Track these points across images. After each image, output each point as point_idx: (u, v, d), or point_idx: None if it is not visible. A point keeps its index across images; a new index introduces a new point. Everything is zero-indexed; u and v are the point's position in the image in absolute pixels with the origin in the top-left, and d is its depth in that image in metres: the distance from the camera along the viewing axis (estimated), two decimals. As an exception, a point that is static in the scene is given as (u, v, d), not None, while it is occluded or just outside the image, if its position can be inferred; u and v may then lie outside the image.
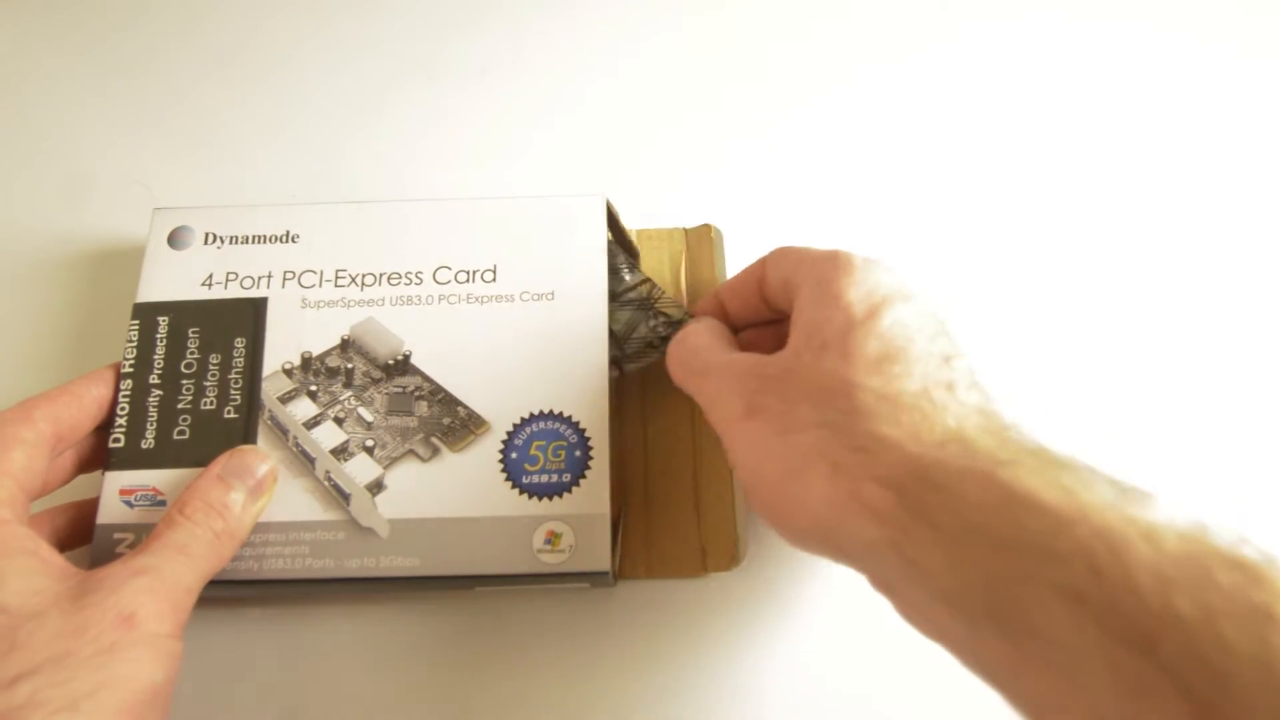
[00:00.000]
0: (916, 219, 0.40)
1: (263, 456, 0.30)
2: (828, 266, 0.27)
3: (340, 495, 0.31)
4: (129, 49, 0.44)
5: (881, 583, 0.23)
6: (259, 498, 0.30)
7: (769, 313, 0.31)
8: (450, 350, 0.32)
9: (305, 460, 0.31)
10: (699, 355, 0.29)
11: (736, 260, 0.37)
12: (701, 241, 0.37)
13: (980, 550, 0.20)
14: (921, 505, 0.21)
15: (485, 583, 0.30)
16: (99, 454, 0.32)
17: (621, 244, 0.36)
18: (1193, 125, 0.42)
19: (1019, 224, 0.40)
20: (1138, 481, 0.20)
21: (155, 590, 0.25)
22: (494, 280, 0.33)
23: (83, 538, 0.30)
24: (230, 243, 0.34)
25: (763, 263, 0.30)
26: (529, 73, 0.44)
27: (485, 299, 0.33)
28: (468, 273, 0.33)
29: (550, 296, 0.33)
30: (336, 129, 0.42)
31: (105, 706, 0.23)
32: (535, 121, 0.42)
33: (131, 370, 0.32)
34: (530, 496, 0.30)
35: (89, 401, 0.30)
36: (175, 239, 0.34)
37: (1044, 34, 0.44)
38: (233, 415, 0.32)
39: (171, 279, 0.34)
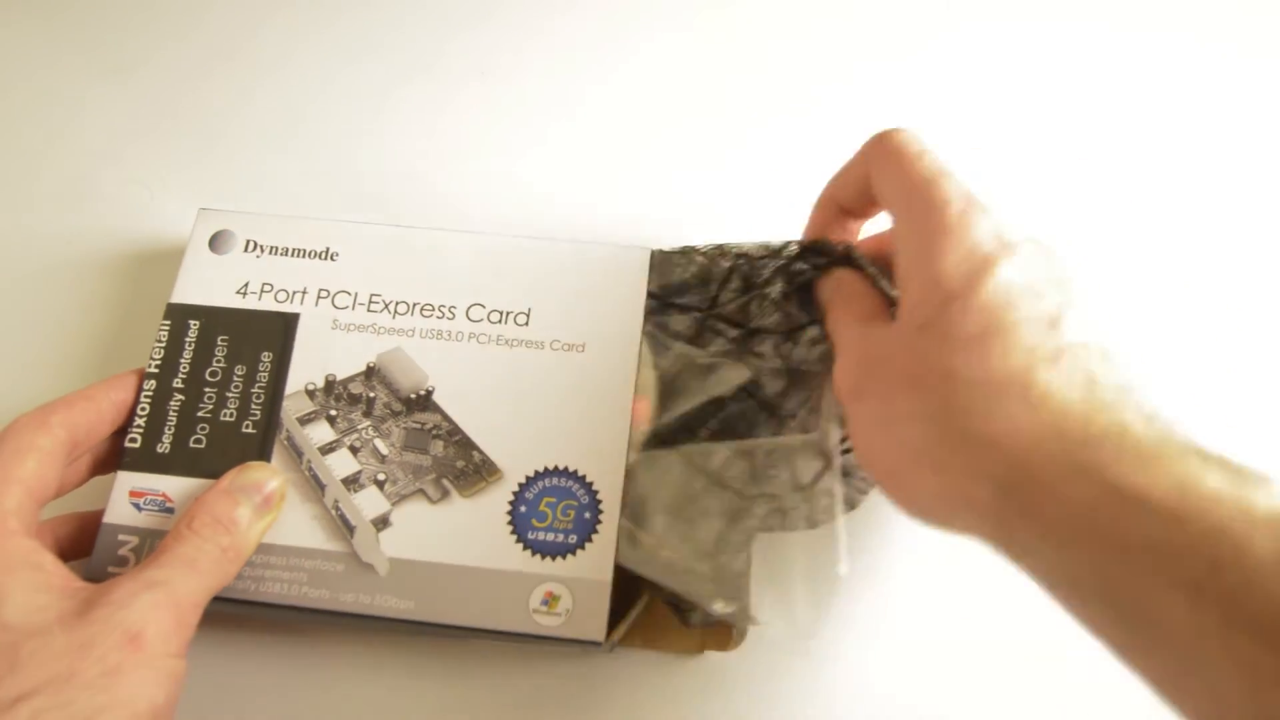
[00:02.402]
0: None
1: (272, 473, 0.30)
2: (927, 220, 0.24)
3: (345, 526, 0.30)
4: (129, 49, 0.44)
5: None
6: (265, 515, 0.30)
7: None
8: (473, 391, 0.32)
9: (316, 486, 0.31)
10: (834, 328, 0.29)
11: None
12: None
13: (1091, 549, 0.20)
14: (1025, 505, 0.21)
15: (479, 635, 0.30)
16: (115, 457, 0.32)
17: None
18: (1195, 123, 0.41)
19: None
20: (1250, 462, 0.19)
21: (163, 607, 0.25)
22: (526, 324, 0.33)
23: (85, 549, 0.30)
24: (270, 253, 0.34)
25: (865, 161, 0.28)
26: (531, 73, 0.43)
27: (515, 343, 0.33)
28: (501, 313, 0.33)
29: (581, 349, 0.32)
30: (337, 128, 0.42)
31: None
32: (536, 121, 0.42)
33: (156, 371, 0.32)
34: (534, 554, 0.30)
35: (107, 407, 0.30)
36: (217, 243, 0.34)
37: (1045, 34, 0.44)
38: (250, 430, 0.32)
39: (208, 283, 0.34)
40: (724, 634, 0.31)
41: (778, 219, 0.39)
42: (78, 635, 0.24)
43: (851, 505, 0.31)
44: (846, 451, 0.30)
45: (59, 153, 0.42)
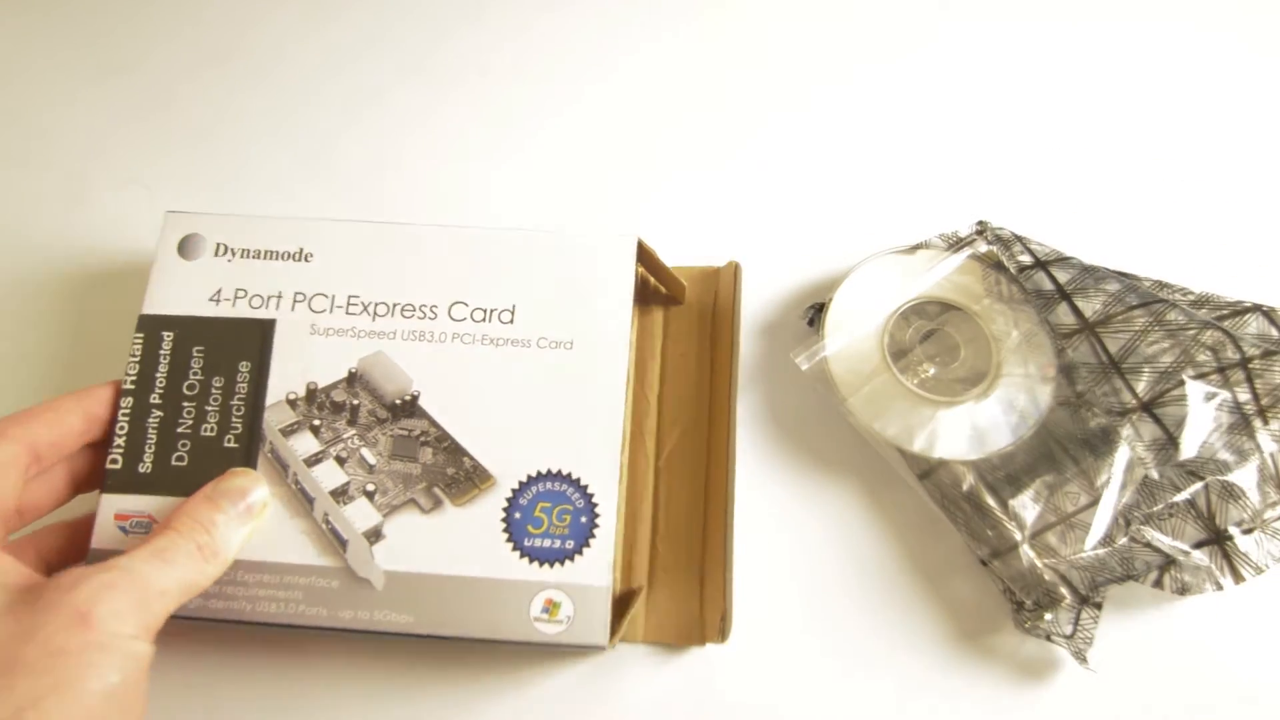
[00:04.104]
0: (905, 226, 0.38)
1: (256, 480, 0.30)
2: None
3: (338, 540, 0.30)
4: (126, 48, 0.43)
5: None
6: (248, 521, 0.29)
7: None
8: (460, 394, 0.31)
9: (304, 499, 0.30)
10: None
11: (750, 285, 0.37)
12: (727, 277, 0.35)
13: None
14: None
15: (480, 642, 0.30)
16: (97, 474, 0.31)
17: (664, 281, 0.34)
18: (1196, 121, 0.41)
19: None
20: None
21: (117, 586, 0.24)
22: (511, 322, 0.32)
23: (76, 559, 0.30)
24: (242, 256, 0.33)
25: None
26: (528, 72, 0.42)
27: (501, 341, 0.32)
28: (484, 311, 0.32)
29: (569, 345, 0.31)
30: (334, 127, 0.41)
31: (50, 715, 0.21)
32: (533, 119, 0.41)
33: (133, 388, 0.31)
34: (531, 561, 0.29)
35: (76, 420, 0.29)
36: (185, 248, 0.33)
37: (1043, 35, 0.43)
38: (233, 444, 0.31)
39: (179, 291, 0.32)
40: (718, 626, 0.31)
41: (778, 217, 0.39)
42: (24, 622, 0.23)
43: (1219, 586, 0.31)
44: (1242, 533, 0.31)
45: (50, 155, 0.41)
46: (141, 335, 0.32)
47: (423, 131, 0.41)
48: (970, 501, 0.32)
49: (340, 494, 0.30)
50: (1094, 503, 0.31)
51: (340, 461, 0.31)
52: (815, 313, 0.35)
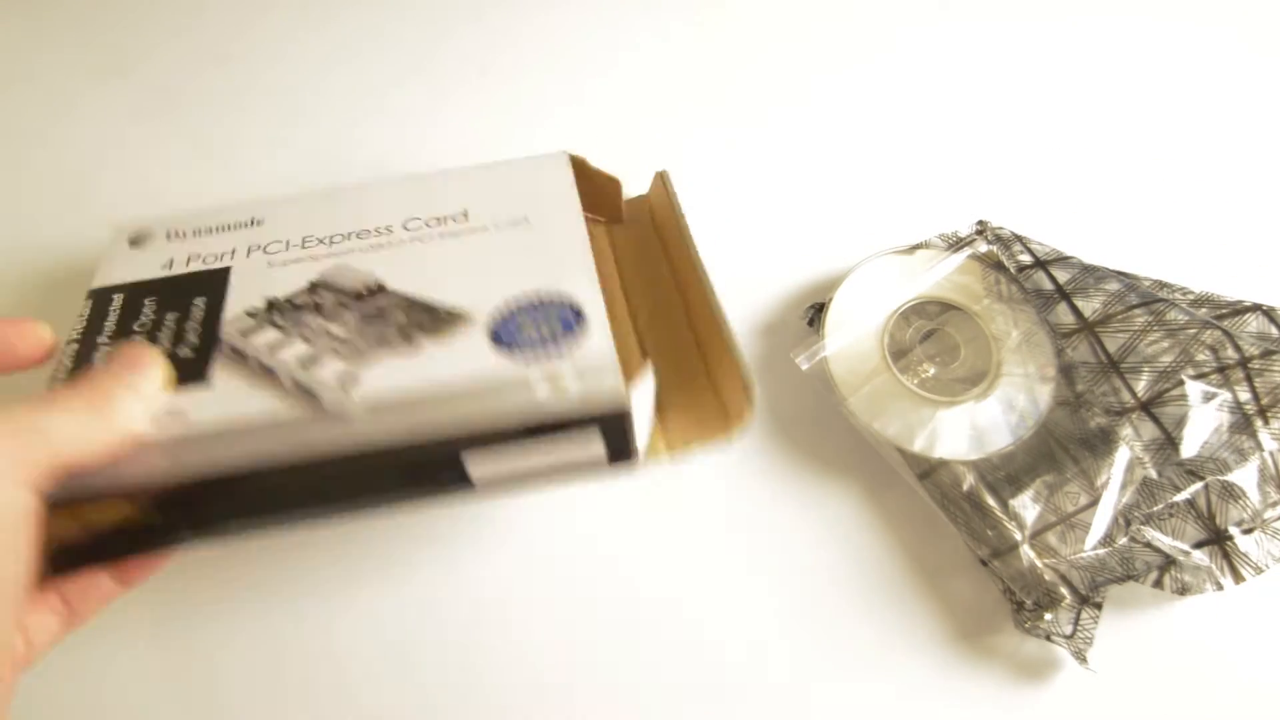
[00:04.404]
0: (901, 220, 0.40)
1: (150, 349, 0.27)
2: None
3: (309, 395, 0.27)
4: (123, 49, 0.43)
5: None
6: (143, 385, 0.26)
7: None
8: (427, 273, 0.31)
9: (268, 374, 0.28)
10: None
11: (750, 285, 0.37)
12: (658, 188, 0.37)
13: None
14: None
15: (479, 444, 0.26)
16: None
17: (598, 184, 0.36)
18: (1196, 120, 0.42)
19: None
20: None
21: None
22: (466, 220, 0.33)
23: None
24: (194, 235, 0.33)
25: None
26: (528, 71, 0.43)
27: (460, 233, 0.32)
28: (439, 219, 0.33)
29: (525, 221, 0.32)
30: (334, 127, 0.41)
31: None
32: (533, 118, 0.42)
33: (79, 337, 0.29)
34: (524, 351, 0.27)
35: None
36: (136, 240, 0.33)
37: (1043, 35, 0.44)
38: (187, 354, 0.29)
39: (131, 269, 0.32)
40: (745, 407, 0.28)
41: (777, 217, 0.40)
42: None
43: (1219, 586, 0.31)
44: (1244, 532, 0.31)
45: (49, 155, 0.40)
46: (90, 302, 0.31)
47: (428, 129, 0.41)
48: (970, 501, 0.32)
49: (309, 361, 0.28)
50: (1094, 503, 0.31)
51: (306, 340, 0.29)
52: (815, 313, 0.36)
